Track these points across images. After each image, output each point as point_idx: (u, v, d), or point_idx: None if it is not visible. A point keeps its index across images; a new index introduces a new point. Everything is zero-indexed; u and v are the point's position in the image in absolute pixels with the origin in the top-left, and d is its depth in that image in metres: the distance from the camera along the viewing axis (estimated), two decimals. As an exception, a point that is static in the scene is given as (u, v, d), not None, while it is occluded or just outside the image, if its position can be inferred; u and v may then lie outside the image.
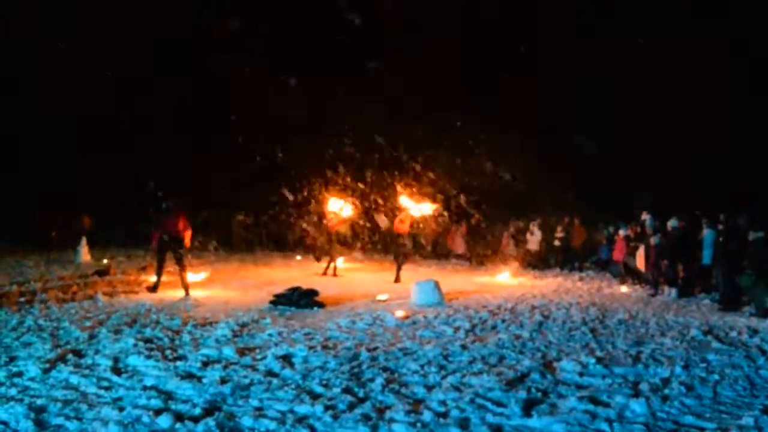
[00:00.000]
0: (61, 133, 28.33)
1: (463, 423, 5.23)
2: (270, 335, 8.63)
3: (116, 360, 7.00)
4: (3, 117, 25.95)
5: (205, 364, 6.94)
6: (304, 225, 23.26)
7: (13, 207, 25.38)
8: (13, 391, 5.82)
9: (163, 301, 11.61)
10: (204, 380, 6.33)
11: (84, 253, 19.04)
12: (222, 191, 27.25)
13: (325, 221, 17.72)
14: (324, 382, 6.34)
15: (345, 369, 6.87)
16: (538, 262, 19.94)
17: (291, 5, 27.18)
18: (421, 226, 18.78)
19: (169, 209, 12.37)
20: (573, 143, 25.70)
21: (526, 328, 9.51)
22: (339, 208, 17.29)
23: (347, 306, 11.52)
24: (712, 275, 13.40)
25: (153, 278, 14.10)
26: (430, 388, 6.22)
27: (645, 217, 15.08)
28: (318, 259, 17.07)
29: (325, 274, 16.82)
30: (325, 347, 7.89)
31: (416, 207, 16.06)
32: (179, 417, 5.19)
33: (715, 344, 8.57)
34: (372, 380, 6.41)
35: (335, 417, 5.30)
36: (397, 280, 15.21)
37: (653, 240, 14.14)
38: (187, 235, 12.55)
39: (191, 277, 13.64)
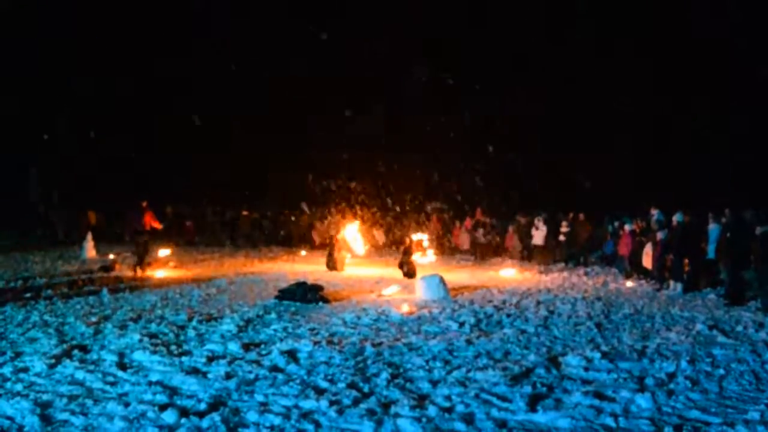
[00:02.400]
0: (68, 130, 28.47)
1: (468, 418, 5.23)
2: (275, 330, 8.64)
3: (122, 355, 7.03)
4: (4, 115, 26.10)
5: (210, 360, 6.95)
6: (318, 225, 23.75)
7: (19, 203, 25.48)
8: (19, 387, 5.85)
9: (168, 296, 11.63)
10: (209, 375, 6.34)
11: (89, 249, 19.07)
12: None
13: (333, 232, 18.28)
14: (329, 377, 6.35)
15: (350, 364, 6.88)
16: (543, 257, 19.88)
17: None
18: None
19: (141, 208, 15.76)
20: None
21: (531, 323, 9.50)
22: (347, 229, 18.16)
23: (352, 301, 11.52)
24: (718, 270, 13.34)
25: (157, 273, 14.59)
26: (435, 383, 6.22)
27: (653, 212, 14.99)
28: (329, 267, 17.14)
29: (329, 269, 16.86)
30: (330, 342, 7.89)
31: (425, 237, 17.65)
32: (184, 412, 5.20)
33: (721, 339, 8.55)
34: (377, 375, 6.41)
35: (340, 412, 5.31)
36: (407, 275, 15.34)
37: (659, 235, 14.08)
38: (155, 225, 16.02)
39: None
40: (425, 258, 16.66)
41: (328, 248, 17.49)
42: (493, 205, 23.75)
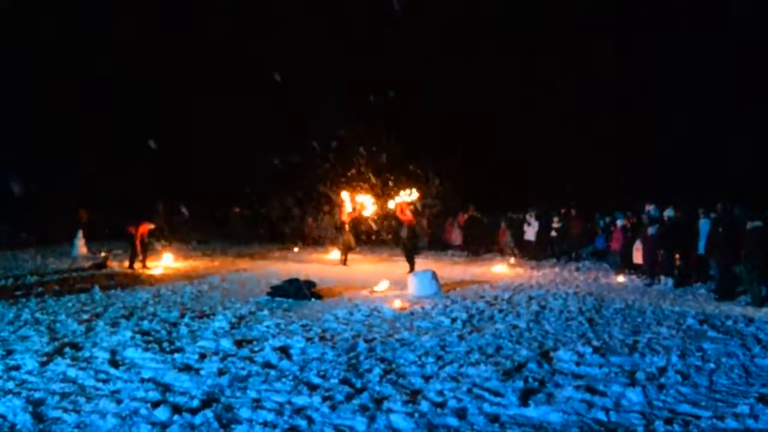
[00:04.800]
0: (59, 127, 28.29)
1: (461, 413, 5.25)
2: (267, 327, 8.64)
3: (114, 353, 7.01)
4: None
5: (203, 356, 6.95)
6: (310, 219, 23.79)
7: (9, 200, 25.29)
8: (10, 385, 5.83)
9: (160, 293, 11.61)
10: (202, 372, 6.34)
11: (81, 246, 19.00)
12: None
13: (337, 212, 18.25)
14: (321, 373, 6.36)
15: (342, 360, 6.89)
16: (535, 252, 19.94)
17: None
18: (421, 215, 18.91)
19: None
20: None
21: (523, 319, 9.54)
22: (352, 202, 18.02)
23: (344, 297, 11.52)
24: (709, 265, 13.42)
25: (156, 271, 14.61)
26: (427, 378, 6.24)
27: (649, 207, 15.03)
28: (342, 252, 17.52)
29: (344, 263, 17.22)
30: (322, 338, 7.90)
31: (411, 196, 16.96)
32: (177, 409, 5.20)
33: (711, 333, 8.61)
34: (369, 371, 6.43)
35: (333, 408, 5.32)
36: (411, 269, 15.29)
37: (649, 230, 14.14)
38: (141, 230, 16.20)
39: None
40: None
41: (340, 233, 17.77)
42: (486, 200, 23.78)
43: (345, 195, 18.07)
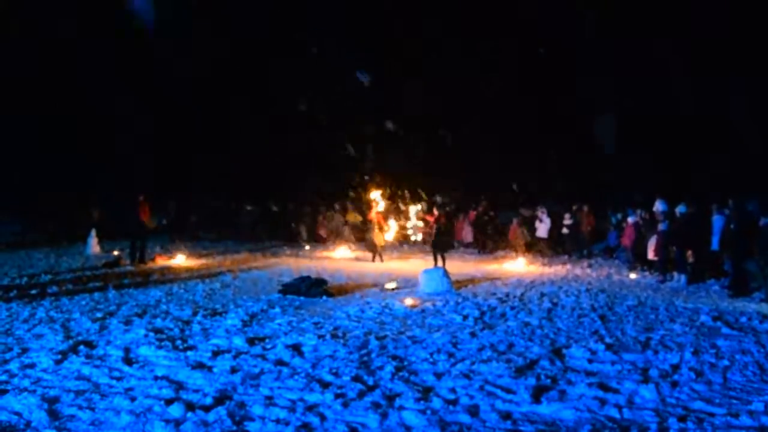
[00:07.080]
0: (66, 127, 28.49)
1: (473, 410, 5.25)
2: (279, 325, 8.66)
3: (127, 350, 7.06)
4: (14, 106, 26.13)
5: (216, 354, 6.98)
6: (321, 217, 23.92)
7: (22, 198, 25.47)
8: (26, 382, 5.87)
9: (173, 291, 11.67)
10: (214, 370, 6.37)
11: (94, 245, 19.10)
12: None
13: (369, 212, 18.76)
14: (334, 370, 6.37)
15: (354, 357, 6.90)
16: (546, 249, 19.87)
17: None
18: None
19: (137, 203, 16.28)
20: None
21: (535, 316, 9.52)
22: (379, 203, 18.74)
23: (356, 295, 11.54)
24: (722, 261, 13.33)
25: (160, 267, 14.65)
26: (439, 375, 6.24)
27: (658, 203, 14.93)
28: (372, 252, 18.07)
29: (376, 260, 17.68)
30: (334, 336, 7.92)
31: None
32: (190, 406, 5.23)
33: (725, 330, 8.55)
34: (381, 368, 6.43)
35: (345, 405, 5.33)
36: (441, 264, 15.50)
37: (660, 226, 14.07)
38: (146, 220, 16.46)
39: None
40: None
41: (367, 230, 18.47)
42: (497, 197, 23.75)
43: (376, 195, 18.63)
